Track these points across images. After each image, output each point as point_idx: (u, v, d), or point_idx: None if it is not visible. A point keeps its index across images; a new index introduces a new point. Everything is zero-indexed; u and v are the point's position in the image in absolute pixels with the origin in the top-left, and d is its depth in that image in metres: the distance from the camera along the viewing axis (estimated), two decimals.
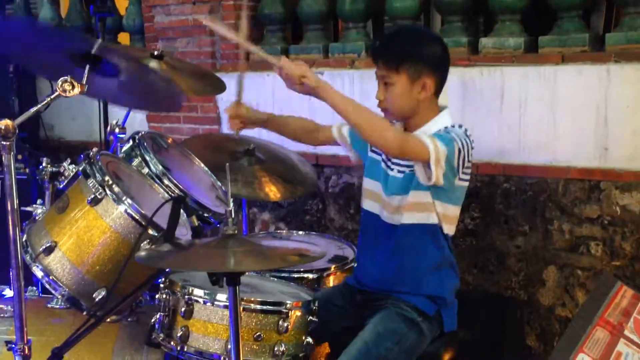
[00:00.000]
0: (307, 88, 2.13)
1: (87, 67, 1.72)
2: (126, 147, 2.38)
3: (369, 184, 2.35)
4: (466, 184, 2.25)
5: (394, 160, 2.25)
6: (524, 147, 3.07)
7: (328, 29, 4.03)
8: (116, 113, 3.68)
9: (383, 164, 2.29)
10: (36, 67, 2.26)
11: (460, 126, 2.21)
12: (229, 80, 3.74)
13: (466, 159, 2.15)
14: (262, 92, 3.67)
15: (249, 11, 3.96)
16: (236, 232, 1.63)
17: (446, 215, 2.22)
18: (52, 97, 1.74)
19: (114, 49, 1.90)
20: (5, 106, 4.01)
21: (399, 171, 2.24)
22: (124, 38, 4.84)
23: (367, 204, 2.35)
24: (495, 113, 3.13)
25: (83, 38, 1.86)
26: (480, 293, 3.19)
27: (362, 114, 2.09)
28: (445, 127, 2.19)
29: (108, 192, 1.95)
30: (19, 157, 3.12)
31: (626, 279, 2.85)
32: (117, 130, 2.69)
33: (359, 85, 3.54)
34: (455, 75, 3.19)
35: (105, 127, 3.60)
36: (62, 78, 1.69)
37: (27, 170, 2.89)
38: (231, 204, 1.68)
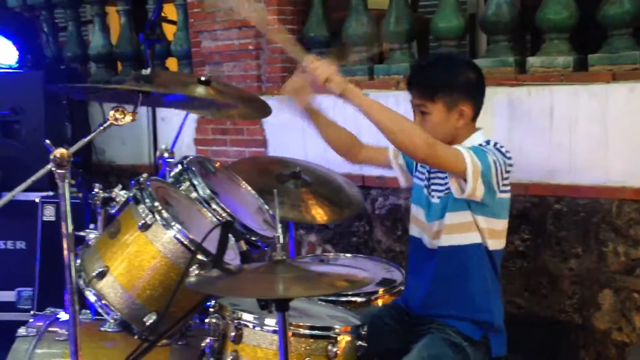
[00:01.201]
0: (331, 92, 2.05)
1: (139, 97, 1.76)
2: (175, 171, 2.41)
3: (414, 210, 2.35)
4: (508, 195, 2.22)
5: (434, 187, 2.24)
6: (575, 167, 3.01)
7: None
8: (165, 137, 3.77)
9: (425, 190, 2.28)
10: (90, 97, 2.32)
11: (489, 142, 2.18)
12: (275, 102, 3.80)
13: (502, 173, 2.12)
14: None
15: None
16: (285, 257, 1.64)
17: (492, 230, 2.18)
18: (105, 126, 1.78)
19: (161, 92, 1.92)
20: (58, 133, 4.11)
21: (437, 197, 2.23)
22: (172, 62, 4.94)
23: (413, 230, 2.35)
24: (545, 133, 3.08)
25: (133, 80, 1.90)
26: (532, 317, 3.12)
27: (390, 115, 2.05)
28: (479, 144, 2.16)
29: (158, 217, 1.98)
30: (73, 181, 3.17)
31: None
32: (165, 154, 2.74)
33: (404, 106, 3.44)
34: (502, 94, 3.16)
35: (155, 151, 3.68)
36: (113, 107, 1.73)
37: (80, 195, 2.95)
38: (279, 230, 1.69)
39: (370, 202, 3.63)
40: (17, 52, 4.12)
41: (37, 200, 3.52)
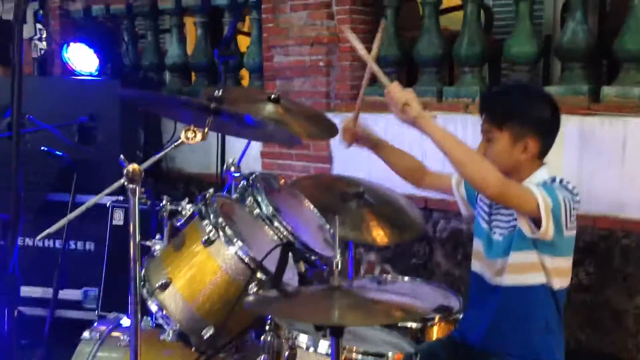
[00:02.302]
0: (408, 116, 2.11)
1: (209, 118, 1.81)
2: (240, 187, 2.46)
3: (475, 243, 2.32)
4: (574, 232, 2.16)
5: (495, 223, 2.21)
6: None
7: (443, 72, 4.03)
8: (233, 149, 3.84)
9: (486, 225, 2.25)
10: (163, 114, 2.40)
11: (555, 179, 2.14)
12: (342, 119, 3.83)
13: (571, 210, 2.07)
14: (375, 132, 3.71)
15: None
16: (341, 284, 1.65)
17: (558, 269, 2.14)
18: (176, 144, 1.85)
19: (232, 110, 1.97)
20: (132, 139, 4.26)
21: (500, 234, 2.19)
22: (244, 74, 5.05)
23: (474, 265, 2.32)
24: (616, 165, 3.00)
25: (204, 97, 1.96)
26: (593, 353, 3.03)
27: (463, 149, 2.05)
28: (544, 182, 2.11)
29: (220, 234, 2.03)
30: (142, 189, 3.30)
31: None
32: (232, 169, 2.79)
33: (471, 130, 3.49)
34: (573, 123, 3.10)
35: (222, 162, 3.76)
36: (184, 127, 1.79)
37: (149, 202, 3.05)
38: (338, 255, 1.71)
39: (432, 225, 3.61)
40: (97, 60, 4.30)
41: (108, 204, 3.65)
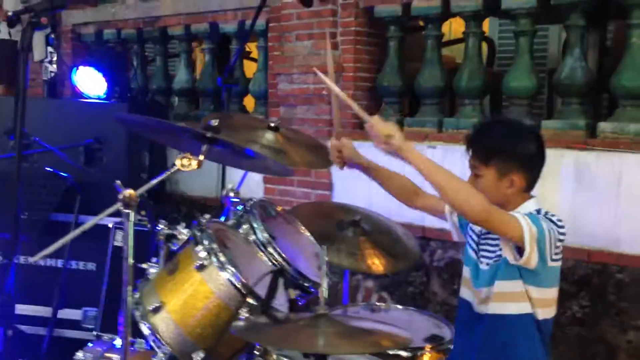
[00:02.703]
0: (392, 148, 2.15)
1: (204, 146, 1.87)
2: (237, 213, 2.51)
3: (464, 270, 2.35)
4: (559, 264, 2.19)
5: (483, 252, 2.24)
6: None
7: (444, 103, 4.09)
8: (235, 173, 3.90)
9: (474, 254, 2.29)
10: (163, 140, 2.46)
11: (540, 211, 2.17)
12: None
13: (555, 242, 2.10)
14: (374, 160, 3.76)
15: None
16: (327, 312, 1.69)
17: (542, 300, 2.17)
18: (172, 171, 1.90)
19: (226, 139, 2.03)
20: (137, 161, 4.33)
21: (486, 263, 2.23)
22: (249, 100, 5.13)
23: (463, 291, 2.35)
24: (611, 200, 3.04)
25: (201, 127, 2.02)
26: None
27: (447, 176, 2.09)
28: (530, 212, 2.15)
29: (214, 259, 2.08)
30: (143, 212, 3.35)
31: None
32: (231, 194, 2.85)
33: None
34: (570, 158, 3.14)
35: (223, 187, 3.82)
36: (180, 154, 1.84)
37: (149, 225, 3.11)
38: (325, 284, 1.75)
39: (429, 254, 3.64)
40: (106, 84, 4.38)
41: (110, 225, 3.71)
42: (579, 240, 3.07)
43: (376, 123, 2.19)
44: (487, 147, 2.20)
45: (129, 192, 1.82)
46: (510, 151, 2.17)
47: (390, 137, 2.14)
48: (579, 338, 3.08)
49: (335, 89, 2.37)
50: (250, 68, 5.15)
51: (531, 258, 2.06)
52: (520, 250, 2.08)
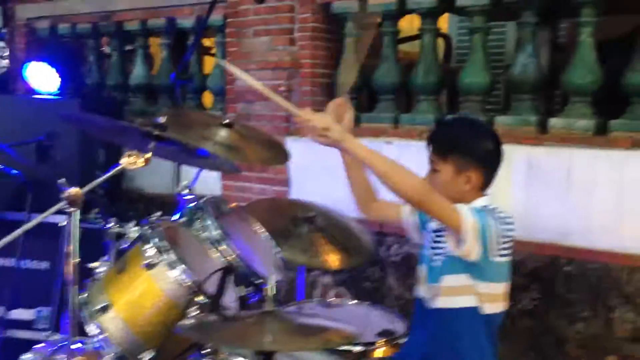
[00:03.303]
0: (329, 140, 2.12)
1: (152, 144, 1.85)
2: (189, 210, 2.50)
3: (419, 269, 2.38)
4: (507, 259, 2.21)
5: (437, 250, 2.27)
6: (589, 231, 3.02)
7: (400, 100, 4.11)
8: (190, 170, 3.87)
9: (429, 252, 2.32)
10: (111, 138, 2.44)
11: (487, 207, 2.19)
12: (301, 143, 3.89)
13: (500, 237, 2.12)
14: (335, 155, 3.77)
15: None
16: (274, 309, 1.69)
17: (489, 295, 2.19)
18: (117, 169, 1.88)
19: (172, 137, 2.01)
20: (91, 158, 4.27)
21: (439, 260, 2.25)
22: (207, 96, 5.09)
23: (417, 290, 2.38)
24: (561, 194, 3.09)
25: (149, 125, 2.00)
26: None
27: (387, 162, 2.10)
28: (476, 207, 2.16)
29: (163, 257, 2.06)
30: (97, 210, 3.32)
31: None
32: (185, 191, 2.83)
33: (426, 156, 3.57)
34: (521, 153, 3.19)
35: (178, 184, 3.78)
36: (127, 152, 1.83)
37: (103, 222, 3.06)
38: (272, 280, 1.75)
39: (386, 249, 3.67)
40: (59, 80, 4.31)
41: (62, 224, 3.65)
42: (531, 234, 3.12)
43: (310, 117, 2.15)
44: (446, 143, 2.22)
45: (73, 190, 1.79)
46: (469, 148, 2.20)
47: (327, 129, 2.11)
48: (529, 330, 3.14)
49: (255, 83, 2.29)
50: (210, 64, 5.12)
51: (472, 249, 2.08)
52: (462, 241, 2.10)
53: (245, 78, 2.31)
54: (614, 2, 3.21)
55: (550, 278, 3.10)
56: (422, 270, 2.36)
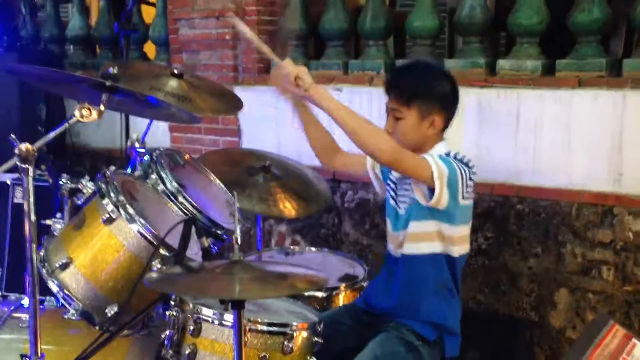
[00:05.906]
0: (301, 90, 2.16)
1: (104, 95, 1.79)
2: (143, 164, 2.45)
3: (387, 223, 2.39)
4: (471, 201, 2.27)
5: (400, 198, 2.29)
6: (538, 170, 3.09)
7: (349, 46, 4.08)
8: (141, 123, 3.78)
9: (393, 202, 2.33)
10: (59, 91, 2.34)
11: (450, 153, 2.22)
12: (250, 93, 3.84)
13: (467, 180, 2.17)
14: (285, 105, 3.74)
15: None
16: (242, 258, 1.69)
17: (457, 237, 2.24)
18: (71, 122, 1.81)
19: (126, 88, 1.95)
20: (33, 114, 4.12)
21: (403, 208, 2.28)
22: (150, 47, 4.94)
23: (387, 242, 2.39)
24: (511, 135, 3.14)
25: (99, 76, 1.92)
26: (491, 313, 3.21)
27: (356, 118, 2.11)
28: (440, 155, 2.20)
29: (122, 211, 2.02)
30: (43, 167, 3.21)
31: (637, 304, 2.86)
32: (136, 144, 2.76)
33: (377, 102, 3.53)
34: (471, 96, 3.22)
35: (127, 137, 3.70)
36: (79, 105, 1.76)
37: (51, 180, 2.97)
38: (238, 232, 1.74)
39: (340, 196, 3.69)
40: None
41: (8, 182, 3.52)
42: (483, 175, 3.14)
43: (286, 64, 2.20)
44: (408, 89, 2.22)
45: (25, 146, 1.73)
46: (431, 92, 2.22)
47: (299, 78, 2.15)
48: (483, 268, 3.23)
49: (248, 33, 2.36)
50: (149, 13, 4.95)
51: (441, 199, 2.11)
52: (431, 192, 2.13)
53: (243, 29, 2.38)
54: None
55: (503, 217, 3.17)
56: (388, 221, 2.38)
